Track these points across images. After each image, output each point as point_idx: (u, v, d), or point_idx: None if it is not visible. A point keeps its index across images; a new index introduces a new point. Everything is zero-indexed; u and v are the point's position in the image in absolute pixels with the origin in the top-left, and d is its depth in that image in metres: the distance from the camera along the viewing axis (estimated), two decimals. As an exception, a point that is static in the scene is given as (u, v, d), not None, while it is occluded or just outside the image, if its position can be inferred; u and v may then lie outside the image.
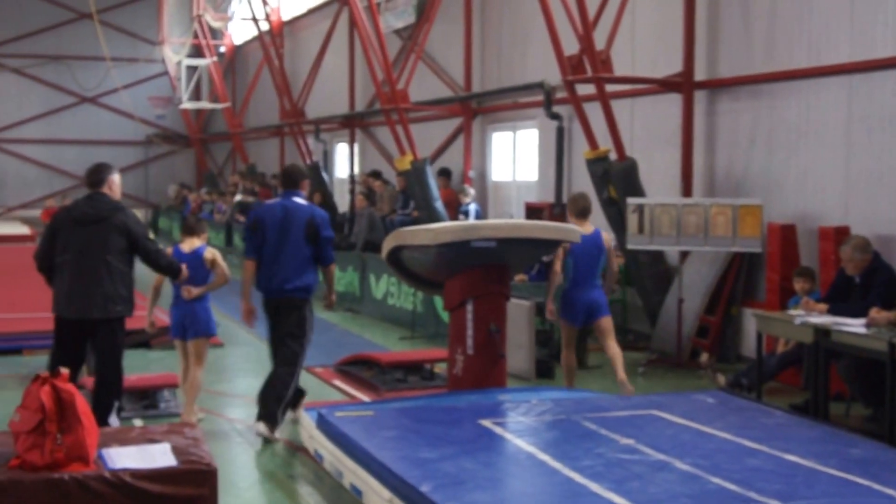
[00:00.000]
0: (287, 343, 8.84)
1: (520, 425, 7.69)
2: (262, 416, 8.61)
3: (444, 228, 8.88)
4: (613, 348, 9.90)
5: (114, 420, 8.28)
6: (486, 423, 7.63)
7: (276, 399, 8.62)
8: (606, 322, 9.97)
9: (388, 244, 9.30)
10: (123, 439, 5.67)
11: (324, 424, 7.70)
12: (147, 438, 5.58)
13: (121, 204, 8.41)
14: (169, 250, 9.14)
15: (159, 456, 5.47)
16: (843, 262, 9.40)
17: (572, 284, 9.83)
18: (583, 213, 9.95)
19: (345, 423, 7.53)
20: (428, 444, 6.99)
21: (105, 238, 8.11)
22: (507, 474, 6.52)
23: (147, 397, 9.45)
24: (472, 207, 17.24)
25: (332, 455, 7.39)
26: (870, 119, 10.60)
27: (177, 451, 5.37)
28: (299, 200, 9.01)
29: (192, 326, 9.07)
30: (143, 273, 8.64)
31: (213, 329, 9.32)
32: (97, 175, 8.37)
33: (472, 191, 17.49)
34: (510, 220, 10.40)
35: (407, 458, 6.59)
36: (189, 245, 9.17)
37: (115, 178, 8.44)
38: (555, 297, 9.97)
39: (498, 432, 7.42)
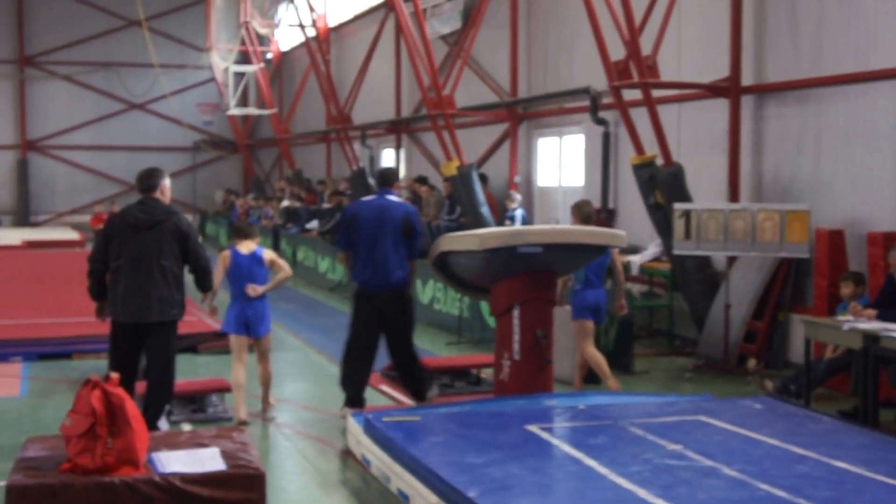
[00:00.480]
0: (402, 332, 9.52)
1: (566, 430, 7.71)
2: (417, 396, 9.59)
3: (490, 234, 8.91)
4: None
5: (163, 424, 8.39)
6: (533, 428, 7.66)
7: (417, 379, 9.56)
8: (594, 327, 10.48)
9: (434, 249, 9.34)
10: (173, 443, 5.74)
11: (371, 429, 7.75)
12: (196, 443, 5.65)
13: (173, 208, 8.58)
14: (227, 252, 9.45)
15: (208, 460, 5.54)
16: (893, 268, 9.33)
17: (584, 285, 10.20)
18: (587, 219, 10.35)
19: (392, 428, 7.58)
20: (475, 449, 7.03)
21: (159, 242, 8.27)
22: (554, 480, 6.53)
23: (195, 402, 9.54)
24: (519, 213, 17.24)
25: (379, 460, 7.44)
26: (919, 123, 10.51)
27: (226, 455, 5.44)
28: (393, 198, 9.53)
29: (259, 323, 9.48)
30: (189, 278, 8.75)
31: (269, 326, 9.79)
32: (150, 180, 8.53)
33: (518, 196, 17.50)
34: (557, 226, 10.43)
35: (454, 464, 6.63)
36: (246, 247, 9.50)
37: (167, 182, 8.63)
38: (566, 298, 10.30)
39: (545, 437, 7.45)
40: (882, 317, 9.03)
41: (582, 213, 10.39)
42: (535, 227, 10.14)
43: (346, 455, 8.29)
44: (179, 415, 9.32)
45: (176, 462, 5.50)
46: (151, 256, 8.25)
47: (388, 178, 9.79)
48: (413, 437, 7.33)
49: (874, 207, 11.02)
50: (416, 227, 9.34)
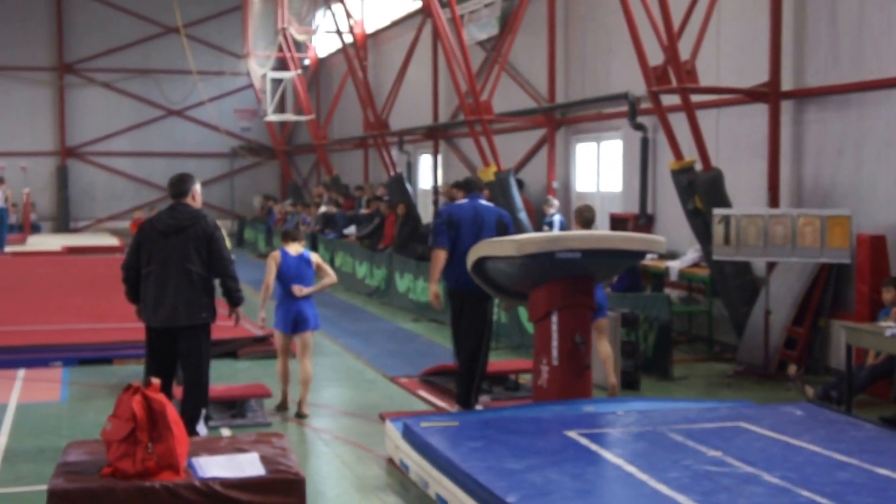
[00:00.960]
0: (476, 332, 9.72)
1: (606, 436, 7.69)
2: (458, 400, 9.74)
3: (528, 240, 8.91)
4: (607, 348, 10.51)
5: (201, 429, 8.44)
6: (572, 434, 7.64)
7: (465, 384, 9.66)
8: (605, 322, 10.51)
9: (473, 255, 9.34)
10: (213, 448, 5.77)
11: (409, 435, 7.77)
12: (236, 448, 5.68)
13: (202, 212, 8.68)
14: (276, 252, 9.79)
15: (248, 465, 5.57)
16: None
17: None
18: (587, 223, 10.60)
19: (430, 433, 7.58)
20: (514, 454, 7.03)
21: (186, 247, 8.42)
22: (594, 486, 6.50)
23: (234, 407, 9.59)
24: (557, 218, 17.21)
25: (417, 465, 7.45)
26: (962, 128, 10.40)
27: (265, 460, 5.46)
28: (485, 202, 10.10)
29: (303, 322, 9.87)
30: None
31: (319, 323, 10.24)
32: (181, 186, 8.65)
33: (556, 202, 17.47)
34: (595, 232, 10.39)
35: (493, 469, 6.63)
36: (294, 249, 9.94)
37: (197, 188, 8.75)
38: None
39: (584, 443, 7.43)
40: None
41: (583, 217, 10.63)
42: (573, 232, 10.08)
43: (385, 460, 8.31)
44: (218, 420, 9.37)
45: (216, 467, 5.53)
46: (179, 261, 8.39)
47: (478, 185, 10.30)
48: (452, 442, 7.34)
49: (916, 212, 10.92)
50: (509, 229, 9.73)
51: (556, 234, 10.70)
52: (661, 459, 6.96)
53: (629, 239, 9.18)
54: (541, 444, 7.38)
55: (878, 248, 11.14)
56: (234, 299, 8.71)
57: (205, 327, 8.53)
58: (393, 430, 8.16)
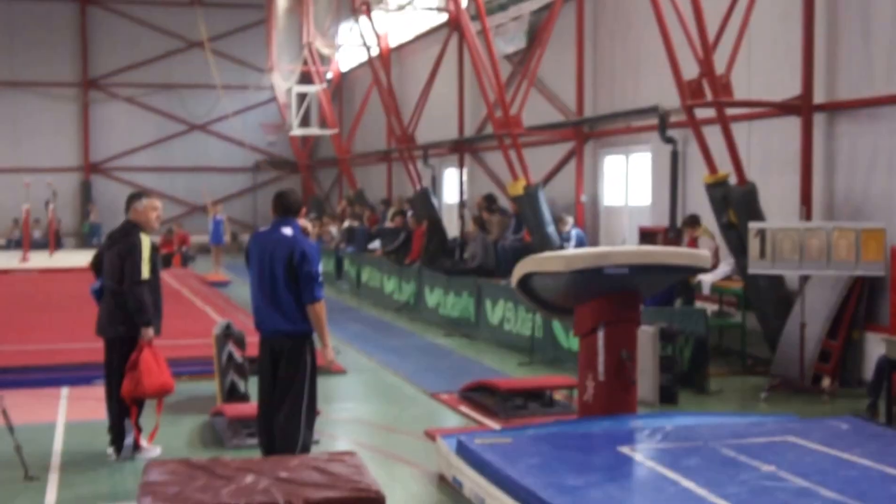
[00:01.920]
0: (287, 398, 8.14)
1: (659, 452, 7.75)
2: None
3: (576, 255, 8.99)
4: None
5: (128, 440, 8.92)
6: (625, 450, 7.71)
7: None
8: None
9: (519, 271, 9.42)
10: (286, 467, 5.86)
11: (464, 451, 7.84)
12: (310, 467, 5.77)
13: (132, 228, 8.97)
14: None
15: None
16: None
17: None
18: None
19: (485, 450, 7.65)
20: (572, 470, 7.10)
21: (112, 262, 8.89)
22: (656, 501, 6.58)
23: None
24: (574, 233, 17.31)
25: (473, 482, 7.52)
26: None
27: (342, 479, 5.54)
28: (287, 231, 8.05)
29: None
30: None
31: None
32: (126, 203, 9.14)
33: (570, 218, 17.55)
34: (642, 247, 10.47)
35: (554, 485, 6.70)
36: None
37: (141, 204, 9.06)
38: None
39: (639, 459, 7.50)
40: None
41: None
42: (621, 247, 10.17)
43: (437, 477, 8.38)
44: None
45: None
46: (107, 274, 8.95)
47: (289, 202, 8.15)
48: (508, 458, 7.40)
49: (952, 225, 10.97)
50: (300, 269, 7.84)
51: (605, 249, 10.75)
52: (718, 475, 7.02)
53: (676, 254, 9.26)
54: (596, 460, 7.45)
55: (914, 261, 11.20)
56: (136, 318, 8.87)
57: (120, 339, 8.92)
58: (445, 447, 8.23)
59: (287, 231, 7.95)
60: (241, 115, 37.83)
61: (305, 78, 33.88)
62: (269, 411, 7.93)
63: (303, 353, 7.91)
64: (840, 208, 12.54)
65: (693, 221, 14.17)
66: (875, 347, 11.15)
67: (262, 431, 8.03)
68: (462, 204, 23.27)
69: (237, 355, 10.85)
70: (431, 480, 8.35)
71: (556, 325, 13.44)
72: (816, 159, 12.72)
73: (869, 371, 11.53)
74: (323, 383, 10.67)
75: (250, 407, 9.99)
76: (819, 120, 12.74)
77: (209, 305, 18.82)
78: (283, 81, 34.88)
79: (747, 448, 7.73)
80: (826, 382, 11.81)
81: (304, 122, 33.12)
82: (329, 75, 34.48)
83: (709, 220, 13.84)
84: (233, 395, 10.70)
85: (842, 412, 10.29)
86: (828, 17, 12.57)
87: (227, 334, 10.90)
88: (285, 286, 7.80)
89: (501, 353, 14.64)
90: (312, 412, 8.02)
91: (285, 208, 8.08)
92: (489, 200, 20.07)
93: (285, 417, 7.83)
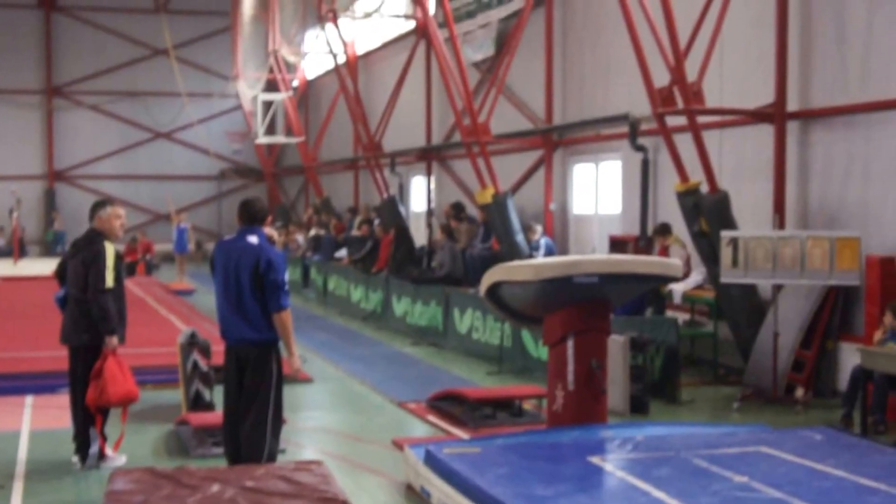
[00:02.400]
0: (253, 408, 7.95)
1: (629, 462, 7.63)
2: None
3: (545, 264, 8.88)
4: None
5: (93, 449, 8.77)
6: (595, 460, 7.59)
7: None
8: None
9: (487, 280, 9.29)
10: (253, 476, 5.69)
11: (432, 461, 7.68)
12: (276, 476, 5.60)
13: (96, 236, 8.86)
14: None
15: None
16: None
17: None
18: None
19: (454, 459, 7.50)
20: (541, 481, 6.97)
21: (76, 270, 8.77)
22: (627, 513, 6.45)
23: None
24: (543, 241, 17.20)
25: (441, 492, 7.37)
26: (971, 149, 10.43)
27: (309, 489, 5.38)
28: (253, 240, 7.94)
29: None
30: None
31: None
32: (90, 212, 9.03)
33: (539, 227, 17.44)
34: (612, 256, 10.34)
35: (523, 496, 6.57)
36: None
37: (105, 212, 8.96)
38: None
39: (609, 469, 7.40)
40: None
41: None
42: (590, 256, 10.05)
43: (404, 486, 8.22)
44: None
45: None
46: (72, 282, 8.84)
47: (254, 211, 8.01)
48: (477, 468, 7.25)
49: (926, 234, 10.92)
50: (266, 277, 7.74)
51: (574, 258, 10.63)
52: (689, 485, 6.91)
53: (646, 263, 9.15)
54: (566, 470, 7.31)
55: (888, 270, 11.12)
56: (102, 327, 8.72)
57: (84, 348, 8.79)
58: (413, 457, 8.08)
59: (253, 239, 7.85)
60: (206, 122, 37.59)
61: (271, 86, 33.65)
62: (235, 420, 7.81)
63: (269, 361, 7.80)
64: (814, 217, 12.47)
65: (664, 230, 14.07)
66: (849, 357, 11.07)
67: (228, 440, 7.91)
68: (430, 212, 23.12)
69: (202, 364, 10.68)
70: (399, 490, 8.20)
71: (525, 334, 13.30)
72: (790, 167, 12.65)
73: (843, 381, 11.45)
74: (290, 392, 10.51)
75: (216, 416, 9.86)
76: (793, 128, 12.67)
77: (174, 314, 18.57)
78: (248, 89, 34.63)
79: (719, 458, 7.61)
80: (799, 392, 11.72)
81: (270, 130, 32.84)
82: (295, 83, 34.27)
83: (680, 228, 13.75)
84: (198, 403, 10.53)
85: (815, 422, 10.21)
86: (801, 23, 12.52)
87: (192, 343, 10.74)
88: (251, 295, 7.70)
89: (470, 363, 14.50)
90: (278, 421, 7.90)
91: (251, 217, 7.98)
92: (457, 209, 19.91)
93: (251, 426, 7.71)
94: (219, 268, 7.90)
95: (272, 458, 7.71)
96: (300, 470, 5.66)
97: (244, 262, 7.72)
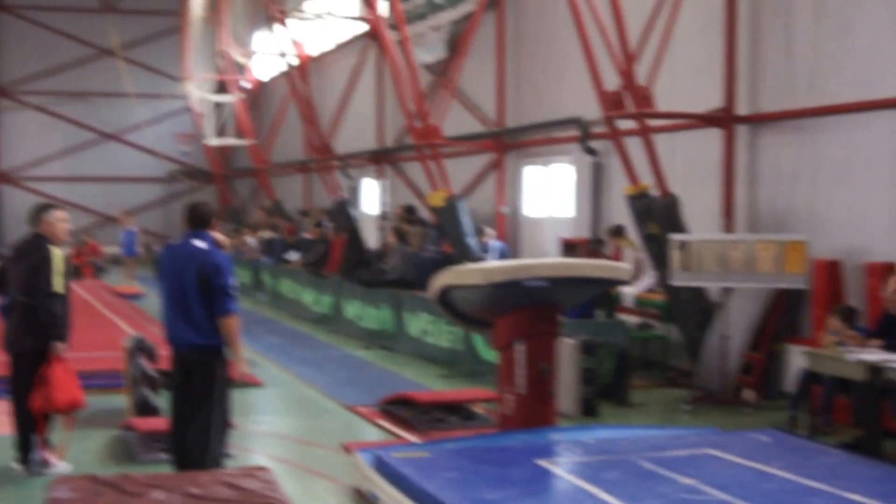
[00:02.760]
0: (197, 414, 7.87)
1: (578, 465, 7.64)
2: None
3: (495, 268, 8.85)
4: None
5: (34, 455, 8.59)
6: (544, 463, 7.57)
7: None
8: None
9: (437, 283, 9.25)
10: (197, 483, 5.62)
11: (381, 465, 7.63)
12: (221, 482, 5.52)
13: (38, 239, 8.71)
14: None
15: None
16: (888, 304, 9.37)
17: None
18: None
19: (403, 464, 7.45)
20: (489, 485, 6.94)
21: (19, 276, 8.59)
22: (576, 517, 6.44)
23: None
24: (496, 245, 17.22)
25: (389, 496, 7.31)
26: (916, 154, 10.55)
27: (253, 495, 5.31)
28: (199, 244, 7.85)
29: None
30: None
31: None
32: (32, 216, 8.85)
33: (491, 230, 17.45)
34: (562, 260, 10.36)
35: (470, 500, 6.54)
36: None
37: (51, 216, 8.79)
38: None
39: (557, 472, 7.38)
40: (889, 347, 9.07)
41: None
42: (540, 260, 10.06)
43: (353, 491, 8.16)
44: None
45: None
46: (15, 289, 8.61)
47: (200, 214, 7.97)
48: (426, 473, 7.21)
49: (872, 238, 11.03)
50: (212, 281, 7.68)
51: (524, 262, 10.65)
52: (637, 488, 6.90)
53: (596, 267, 9.17)
54: (514, 474, 7.28)
55: (834, 274, 11.24)
56: (50, 332, 8.58)
57: (30, 355, 8.59)
58: (362, 461, 8.01)
59: (200, 243, 7.78)
60: (155, 124, 37.24)
61: (222, 87, 33.43)
62: (181, 425, 7.74)
63: (214, 366, 7.74)
64: (763, 220, 12.56)
65: (618, 231, 14.12)
66: (797, 360, 11.15)
67: (174, 446, 7.85)
68: (382, 215, 23.05)
69: (149, 368, 10.55)
70: (348, 495, 8.13)
71: (477, 338, 13.27)
72: (739, 171, 12.74)
73: (791, 383, 11.54)
74: (239, 396, 10.40)
75: (162, 421, 9.73)
76: (742, 132, 12.76)
77: (121, 318, 18.35)
78: (198, 90, 34.35)
79: (667, 461, 7.62)
80: (748, 395, 11.80)
81: (221, 131, 32.66)
82: (246, 84, 34.06)
83: (631, 231, 13.81)
84: (144, 408, 10.40)
85: (763, 425, 10.26)
86: (750, 29, 12.61)
87: (139, 347, 10.63)
88: (197, 299, 7.63)
89: (421, 366, 14.45)
90: (224, 426, 7.84)
91: (197, 220, 7.90)
92: (409, 211, 19.88)
93: (196, 431, 7.64)
94: (165, 272, 7.82)
95: (218, 463, 7.64)
96: (245, 476, 5.60)
97: (190, 267, 7.64)
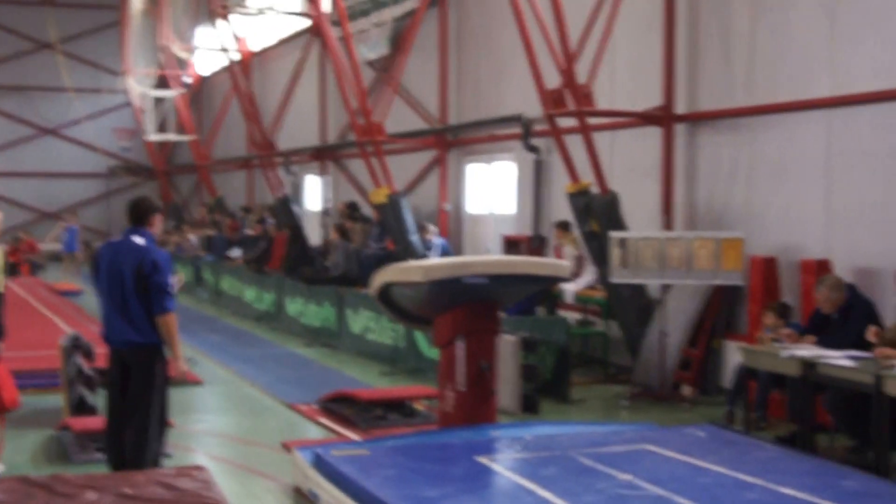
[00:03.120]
0: (136, 411, 7.77)
1: (517, 462, 7.66)
2: None
3: (435, 266, 8.86)
4: None
5: None
6: (483, 460, 7.59)
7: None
8: None
9: (377, 281, 9.25)
10: (132, 483, 5.57)
11: (320, 464, 7.62)
12: (156, 482, 5.48)
13: None
14: None
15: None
16: (819, 303, 9.53)
17: None
18: None
19: (342, 462, 7.45)
20: (428, 482, 6.95)
21: None
22: (513, 513, 6.47)
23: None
24: (438, 242, 17.24)
25: (329, 495, 7.30)
26: (849, 153, 10.71)
27: (189, 495, 5.28)
28: (138, 240, 7.79)
29: None
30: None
31: None
32: None
33: (433, 227, 17.46)
34: (502, 257, 10.38)
35: (410, 497, 6.54)
36: None
37: None
38: None
39: (496, 469, 7.41)
40: (821, 343, 9.22)
41: None
42: (480, 257, 10.07)
43: (293, 490, 8.14)
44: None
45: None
46: None
47: (140, 210, 7.89)
48: (365, 470, 7.21)
49: (807, 235, 11.19)
50: (150, 279, 7.61)
51: (464, 259, 10.67)
52: (575, 484, 6.95)
53: (536, 264, 9.20)
54: (454, 470, 7.31)
55: (770, 270, 11.40)
56: None
57: None
58: (301, 460, 7.99)
59: (138, 240, 7.71)
60: (94, 119, 36.80)
61: (163, 82, 33.10)
62: (118, 425, 7.66)
63: (152, 364, 7.67)
64: (701, 218, 12.69)
65: (564, 226, 14.19)
66: (734, 355, 11.28)
67: (111, 446, 7.75)
68: (324, 212, 22.98)
69: (85, 367, 10.43)
70: (287, 493, 8.11)
71: (419, 335, 13.29)
72: (678, 169, 12.87)
73: (728, 379, 11.68)
74: (178, 395, 10.39)
75: (99, 420, 9.63)
76: (680, 130, 12.89)
77: (58, 316, 18.09)
78: (138, 85, 33.99)
79: (605, 457, 7.69)
80: (686, 390, 11.94)
81: (162, 127, 32.32)
82: (187, 80, 33.76)
83: (572, 228, 13.89)
84: (81, 408, 10.28)
85: (701, 420, 10.40)
86: (689, 29, 12.74)
87: (75, 345, 10.49)
88: (135, 296, 7.55)
89: (363, 363, 14.43)
90: (163, 425, 7.77)
91: (136, 217, 7.83)
92: (351, 208, 19.85)
93: (134, 431, 7.57)
94: (103, 269, 7.73)
95: (156, 463, 7.58)
96: (181, 476, 5.55)
97: (128, 263, 7.58)
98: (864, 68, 10.49)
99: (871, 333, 8.74)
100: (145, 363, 7.63)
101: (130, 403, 7.59)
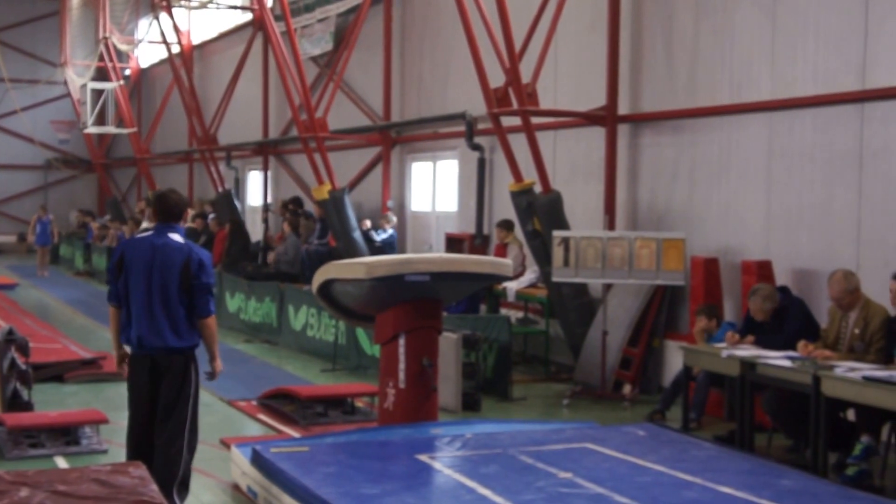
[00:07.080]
0: (169, 420, 7.33)
1: (457, 459, 7.65)
2: None
3: (377, 263, 8.80)
4: None
5: None
6: (424, 457, 7.57)
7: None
8: None
9: (319, 277, 9.18)
10: (66, 480, 5.46)
11: (259, 461, 7.55)
12: (91, 479, 5.38)
13: None
14: None
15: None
16: (753, 312, 9.63)
17: None
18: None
19: (281, 459, 7.38)
20: (368, 479, 6.91)
21: None
22: (453, 511, 6.45)
23: (68, 434, 9.15)
24: (389, 231, 17.24)
25: (267, 492, 7.25)
26: (789, 155, 10.83)
27: (125, 491, 5.18)
28: (176, 238, 7.37)
29: None
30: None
31: None
32: None
33: (394, 218, 17.47)
34: (444, 255, 10.32)
35: (349, 495, 6.51)
36: None
37: None
38: None
39: (437, 467, 7.38)
40: (760, 343, 9.32)
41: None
42: (423, 255, 10.03)
43: (231, 486, 8.06)
44: (52, 448, 8.95)
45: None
46: None
47: (170, 206, 7.37)
48: (304, 468, 7.15)
49: (747, 236, 11.30)
50: (197, 279, 7.21)
51: (406, 256, 10.60)
52: (515, 482, 6.95)
53: (478, 262, 9.16)
54: (394, 468, 7.28)
55: (711, 271, 11.48)
56: None
57: None
58: (240, 456, 7.93)
59: (177, 237, 7.15)
60: (31, 110, 36.22)
61: (102, 74, 32.65)
62: (146, 434, 7.14)
63: (189, 370, 7.17)
64: (643, 218, 12.76)
65: (507, 225, 14.21)
66: (674, 355, 11.37)
67: (137, 458, 6.86)
68: (266, 207, 22.83)
69: (20, 362, 10.25)
70: (225, 491, 8.05)
71: (360, 332, 13.24)
72: (620, 169, 12.93)
73: (669, 378, 11.77)
74: (113, 390, 10.23)
75: (32, 416, 9.55)
76: (623, 131, 12.95)
77: (-7, 309, 17.82)
78: (77, 77, 33.52)
79: (546, 455, 7.70)
80: (627, 389, 12.00)
81: (100, 119, 31.88)
82: (127, 72, 33.35)
83: (515, 227, 13.92)
84: (15, 403, 10.11)
85: (641, 419, 10.46)
86: (632, 30, 12.80)
87: (10, 340, 10.30)
88: (177, 298, 7.02)
89: (304, 360, 14.35)
90: (195, 435, 7.28)
91: (171, 213, 7.25)
92: (296, 203, 19.76)
93: (167, 441, 7.06)
94: (133, 269, 7.08)
95: (188, 475, 7.16)
96: (116, 472, 5.45)
97: (172, 263, 7.03)
98: (805, 72, 10.61)
99: (801, 348, 8.84)
100: (181, 369, 7.12)
101: (163, 412, 7.09)
